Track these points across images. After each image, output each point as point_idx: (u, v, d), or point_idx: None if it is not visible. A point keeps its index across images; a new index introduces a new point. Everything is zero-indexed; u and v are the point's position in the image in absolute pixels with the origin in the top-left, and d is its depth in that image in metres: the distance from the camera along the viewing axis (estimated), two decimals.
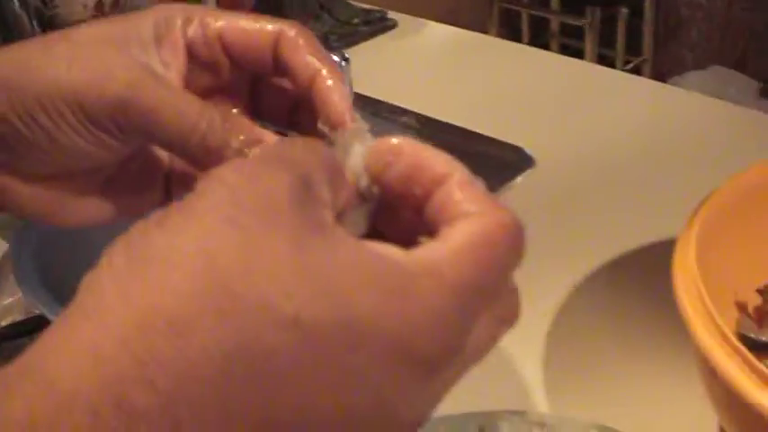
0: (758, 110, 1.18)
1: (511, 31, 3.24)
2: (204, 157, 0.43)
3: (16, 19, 1.02)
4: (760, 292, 0.72)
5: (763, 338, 0.67)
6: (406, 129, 0.76)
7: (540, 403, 0.71)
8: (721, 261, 0.68)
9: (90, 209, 0.48)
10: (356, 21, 1.46)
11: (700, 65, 2.15)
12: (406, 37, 1.46)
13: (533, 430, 0.58)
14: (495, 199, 0.36)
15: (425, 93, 1.24)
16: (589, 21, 2.90)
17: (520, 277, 0.35)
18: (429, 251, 0.34)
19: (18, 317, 0.83)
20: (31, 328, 0.81)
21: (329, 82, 0.44)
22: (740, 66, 2.12)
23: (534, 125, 1.14)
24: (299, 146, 0.35)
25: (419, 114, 1.14)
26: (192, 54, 0.46)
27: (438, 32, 1.49)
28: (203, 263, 0.30)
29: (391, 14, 1.50)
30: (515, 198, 0.99)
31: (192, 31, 0.46)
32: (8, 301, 0.85)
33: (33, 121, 0.43)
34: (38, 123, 0.43)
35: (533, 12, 3.35)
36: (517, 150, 1.05)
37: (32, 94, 0.42)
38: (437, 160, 0.37)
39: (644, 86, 1.31)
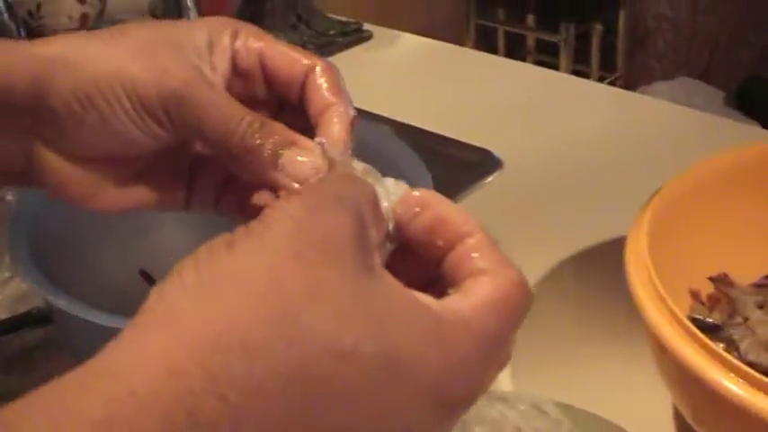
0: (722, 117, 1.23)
1: (487, 48, 3.29)
2: (242, 156, 0.47)
3: (5, 28, 1.06)
4: (712, 280, 0.77)
5: (710, 320, 0.72)
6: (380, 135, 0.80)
7: (504, 382, 0.75)
8: (673, 251, 0.72)
9: (120, 196, 0.52)
10: (333, 32, 1.51)
11: (667, 75, 2.21)
12: (380, 48, 1.50)
13: (495, 404, 0.62)
14: (510, 260, 0.41)
15: (399, 100, 1.28)
16: (564, 37, 2.96)
17: None
18: (456, 302, 0.38)
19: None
20: (17, 325, 0.82)
21: (335, 119, 0.48)
22: (705, 76, 2.18)
23: (504, 130, 1.18)
24: (352, 182, 0.40)
25: (393, 120, 1.18)
26: (235, 64, 0.50)
27: (412, 43, 1.53)
28: (274, 293, 0.34)
29: (367, 26, 1.54)
30: (484, 197, 1.03)
31: (238, 44, 0.50)
32: None
33: (90, 102, 0.46)
34: (94, 104, 0.46)
35: (509, 28, 3.40)
36: (486, 153, 1.09)
37: (92, 78, 0.46)
38: (460, 216, 0.41)
39: (610, 94, 1.36)
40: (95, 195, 0.51)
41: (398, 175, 0.72)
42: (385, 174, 0.45)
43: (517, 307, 0.39)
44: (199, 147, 0.52)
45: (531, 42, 3.42)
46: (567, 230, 0.94)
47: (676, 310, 0.60)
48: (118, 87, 0.46)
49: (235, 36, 0.50)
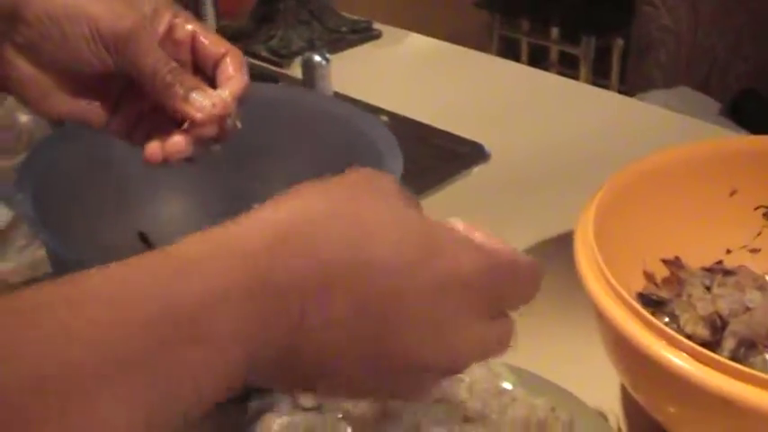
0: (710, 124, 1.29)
1: (511, 59, 3.31)
2: (164, 90, 0.65)
3: None
4: (664, 262, 0.82)
5: (655, 296, 0.77)
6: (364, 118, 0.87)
7: None
8: (627, 236, 0.77)
9: (61, 104, 0.67)
10: (344, 29, 1.57)
11: (669, 85, 2.27)
12: (389, 45, 1.56)
13: None
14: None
15: (400, 95, 1.34)
16: (584, 50, 3.02)
17: None
18: None
19: None
20: None
21: (234, 84, 0.68)
22: (704, 88, 2.24)
23: (495, 126, 1.24)
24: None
25: (391, 113, 1.24)
26: (170, 34, 0.67)
27: (419, 43, 1.59)
28: (325, 205, 0.45)
29: (377, 25, 1.60)
30: (469, 185, 1.11)
31: (177, 21, 0.68)
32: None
33: (57, 22, 0.63)
34: (59, 25, 0.63)
35: (532, 40, 3.44)
36: (476, 146, 1.16)
37: (62, 5, 0.63)
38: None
39: (604, 98, 1.42)
40: (44, 99, 0.67)
41: (374, 152, 0.78)
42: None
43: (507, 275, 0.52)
44: (134, 76, 0.66)
45: (553, 55, 3.46)
46: (540, 217, 0.99)
47: (614, 281, 0.65)
48: (82, 17, 0.62)
49: (175, 15, 0.68)
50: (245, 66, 0.69)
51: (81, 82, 0.67)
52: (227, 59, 0.68)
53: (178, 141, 0.66)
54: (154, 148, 0.67)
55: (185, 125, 0.66)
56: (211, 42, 0.69)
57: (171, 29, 0.67)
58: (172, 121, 0.67)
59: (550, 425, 0.65)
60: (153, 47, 0.64)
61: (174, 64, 0.65)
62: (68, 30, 0.63)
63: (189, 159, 0.69)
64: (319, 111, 0.89)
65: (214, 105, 0.65)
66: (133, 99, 0.69)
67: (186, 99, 0.65)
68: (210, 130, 0.67)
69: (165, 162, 0.67)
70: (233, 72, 0.68)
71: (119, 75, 0.66)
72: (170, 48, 0.67)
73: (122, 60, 0.64)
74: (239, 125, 0.69)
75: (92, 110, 0.68)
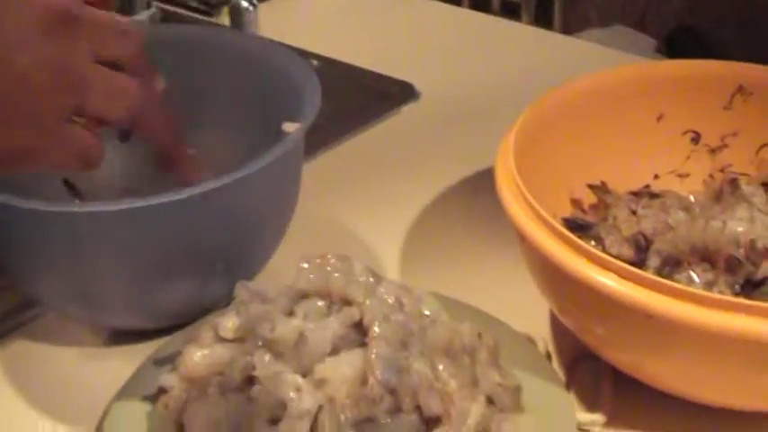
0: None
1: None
2: None
3: None
4: (591, 187, 0.82)
5: (580, 220, 0.77)
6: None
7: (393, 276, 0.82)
8: (551, 162, 0.77)
9: None
10: None
11: (604, 24, 2.27)
12: None
13: (377, 287, 0.65)
14: None
15: (331, 39, 1.32)
16: None
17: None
18: None
19: None
20: None
21: None
22: (640, 25, 2.24)
23: (427, 67, 1.22)
24: None
25: (321, 56, 1.23)
26: None
27: None
28: None
29: None
30: (399, 123, 1.10)
31: None
32: None
33: None
34: None
35: None
36: (405, 85, 1.15)
37: None
38: None
39: (539, 36, 1.41)
40: None
41: (292, 84, 0.77)
42: None
43: None
44: None
45: (495, 4, 3.44)
46: (470, 152, 0.99)
47: (535, 203, 0.65)
48: None
49: None
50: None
51: None
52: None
53: None
54: None
55: None
56: None
57: None
58: None
59: (476, 349, 0.65)
60: None
61: None
62: None
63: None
64: (230, 46, 0.88)
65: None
66: None
67: None
68: None
69: None
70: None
71: None
72: None
73: None
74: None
75: None
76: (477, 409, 0.60)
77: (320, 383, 0.57)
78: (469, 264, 0.86)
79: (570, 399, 0.69)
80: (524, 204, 0.66)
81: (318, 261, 0.64)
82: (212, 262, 0.72)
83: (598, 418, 0.69)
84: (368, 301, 0.61)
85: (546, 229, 0.64)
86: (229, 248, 0.73)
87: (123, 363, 0.73)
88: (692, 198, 0.80)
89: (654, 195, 0.81)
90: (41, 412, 0.72)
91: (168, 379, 0.65)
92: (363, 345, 0.60)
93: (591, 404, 0.71)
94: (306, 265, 0.64)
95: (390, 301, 0.62)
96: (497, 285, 0.82)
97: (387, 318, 0.60)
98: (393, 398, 0.58)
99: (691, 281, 0.69)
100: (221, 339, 0.63)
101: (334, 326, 0.60)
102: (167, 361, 0.69)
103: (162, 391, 0.65)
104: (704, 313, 0.57)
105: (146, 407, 0.67)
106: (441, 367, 0.61)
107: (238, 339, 0.63)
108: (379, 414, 0.58)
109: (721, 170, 0.85)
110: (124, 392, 0.69)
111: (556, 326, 0.77)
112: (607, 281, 0.60)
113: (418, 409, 0.59)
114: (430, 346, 0.61)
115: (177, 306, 0.75)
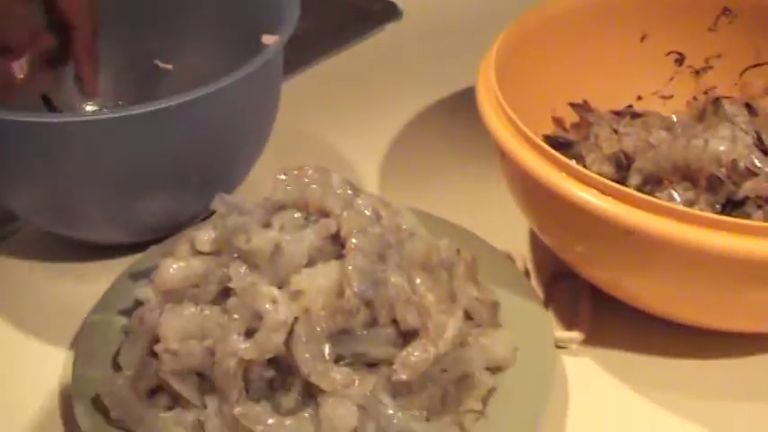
0: None
1: None
2: None
3: None
4: (572, 105, 0.81)
5: (561, 138, 0.76)
6: None
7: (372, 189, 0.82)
8: (533, 80, 0.76)
9: None
10: None
11: None
12: None
13: (356, 199, 0.65)
14: None
15: None
16: None
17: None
18: None
19: None
20: None
21: None
22: None
23: None
24: None
25: None
26: None
27: None
28: None
29: None
30: (381, 42, 1.09)
31: None
32: None
33: None
34: None
35: None
36: (388, 3, 1.14)
37: None
38: None
39: None
40: None
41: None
42: None
43: None
44: None
45: None
46: (452, 71, 0.97)
47: (516, 119, 0.64)
48: None
49: None
50: None
51: None
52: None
53: None
54: None
55: None
56: None
57: None
58: None
59: (454, 265, 0.65)
60: None
61: None
62: None
63: None
64: None
65: None
66: None
67: None
68: None
69: None
70: None
71: None
72: None
73: None
74: None
75: None
76: (454, 323, 0.59)
77: (296, 295, 0.57)
78: (449, 182, 0.85)
79: (548, 316, 0.69)
80: (505, 120, 0.65)
81: (296, 173, 0.63)
82: (188, 175, 0.71)
83: (576, 335, 0.69)
84: (345, 213, 0.60)
85: (527, 144, 0.63)
86: (206, 162, 0.72)
87: (99, 277, 0.73)
88: (674, 117, 0.80)
89: (636, 115, 0.80)
90: (16, 326, 0.72)
91: (144, 292, 0.64)
92: (340, 257, 0.59)
93: (569, 322, 0.71)
94: (283, 177, 0.63)
95: (368, 213, 0.62)
96: (476, 204, 0.81)
97: (364, 230, 0.59)
98: (369, 310, 0.58)
99: (671, 199, 0.69)
100: (197, 252, 0.63)
101: (311, 237, 0.59)
102: (143, 275, 0.68)
103: (138, 304, 0.65)
104: (685, 230, 0.56)
105: (122, 320, 0.67)
106: (418, 281, 0.60)
107: (215, 252, 0.62)
108: (356, 326, 0.57)
109: (705, 92, 0.84)
110: (100, 306, 0.68)
111: (535, 244, 0.77)
112: (588, 196, 0.59)
113: (394, 322, 0.59)
114: (407, 259, 0.61)
115: (153, 220, 0.74)
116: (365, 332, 0.58)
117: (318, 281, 0.57)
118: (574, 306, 0.71)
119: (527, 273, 0.74)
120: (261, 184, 0.69)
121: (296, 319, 0.56)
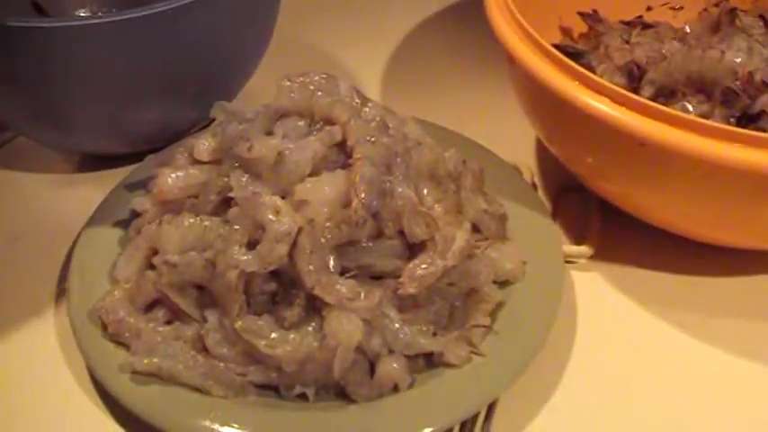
0: None
1: None
2: None
3: None
4: (581, 15, 0.78)
5: (571, 47, 0.74)
6: None
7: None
8: None
9: None
10: None
11: None
12: None
13: (363, 109, 0.63)
14: None
15: None
16: None
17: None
18: None
19: None
20: None
21: None
22: None
23: None
24: None
25: None
26: None
27: None
28: None
29: None
30: None
31: None
32: None
33: None
34: None
35: None
36: None
37: None
38: None
39: None
40: None
41: None
42: None
43: None
44: None
45: None
46: None
47: (526, 25, 0.62)
48: None
49: None
50: None
51: None
52: None
53: None
54: None
55: None
56: None
57: None
58: None
59: (461, 176, 0.63)
60: None
61: None
62: None
63: None
64: None
65: None
66: None
67: None
68: None
69: None
70: None
71: None
72: None
73: None
74: None
75: None
76: (462, 236, 0.58)
77: (300, 205, 0.55)
78: (454, 92, 0.83)
79: (557, 229, 0.67)
80: (515, 26, 0.63)
81: (302, 79, 0.61)
82: (184, 83, 0.69)
83: (585, 250, 0.67)
84: (353, 122, 0.58)
85: (538, 51, 0.61)
86: (202, 69, 0.70)
87: (95, 188, 0.71)
88: (687, 28, 0.77)
89: (647, 25, 0.77)
90: (11, 239, 0.70)
91: (141, 202, 0.62)
92: (345, 166, 0.57)
93: (577, 237, 0.69)
94: (288, 83, 0.61)
95: (375, 122, 0.59)
96: (483, 115, 0.79)
97: (372, 140, 0.57)
98: (376, 222, 0.56)
99: (686, 112, 0.67)
100: (196, 161, 0.61)
101: (316, 145, 0.57)
102: (140, 186, 0.66)
103: (134, 214, 0.63)
104: (700, 142, 0.54)
105: (118, 232, 0.65)
106: (425, 192, 0.59)
107: (214, 161, 0.60)
108: (361, 238, 0.56)
109: (716, 4, 0.82)
110: (95, 218, 0.66)
111: (542, 156, 0.75)
112: (600, 105, 0.57)
113: (401, 234, 0.57)
114: (414, 169, 0.59)
115: (149, 129, 0.72)
116: (371, 244, 0.56)
117: (323, 191, 0.55)
118: (581, 220, 0.70)
119: (534, 186, 0.72)
120: (259, 95, 0.67)
121: (299, 229, 0.54)
